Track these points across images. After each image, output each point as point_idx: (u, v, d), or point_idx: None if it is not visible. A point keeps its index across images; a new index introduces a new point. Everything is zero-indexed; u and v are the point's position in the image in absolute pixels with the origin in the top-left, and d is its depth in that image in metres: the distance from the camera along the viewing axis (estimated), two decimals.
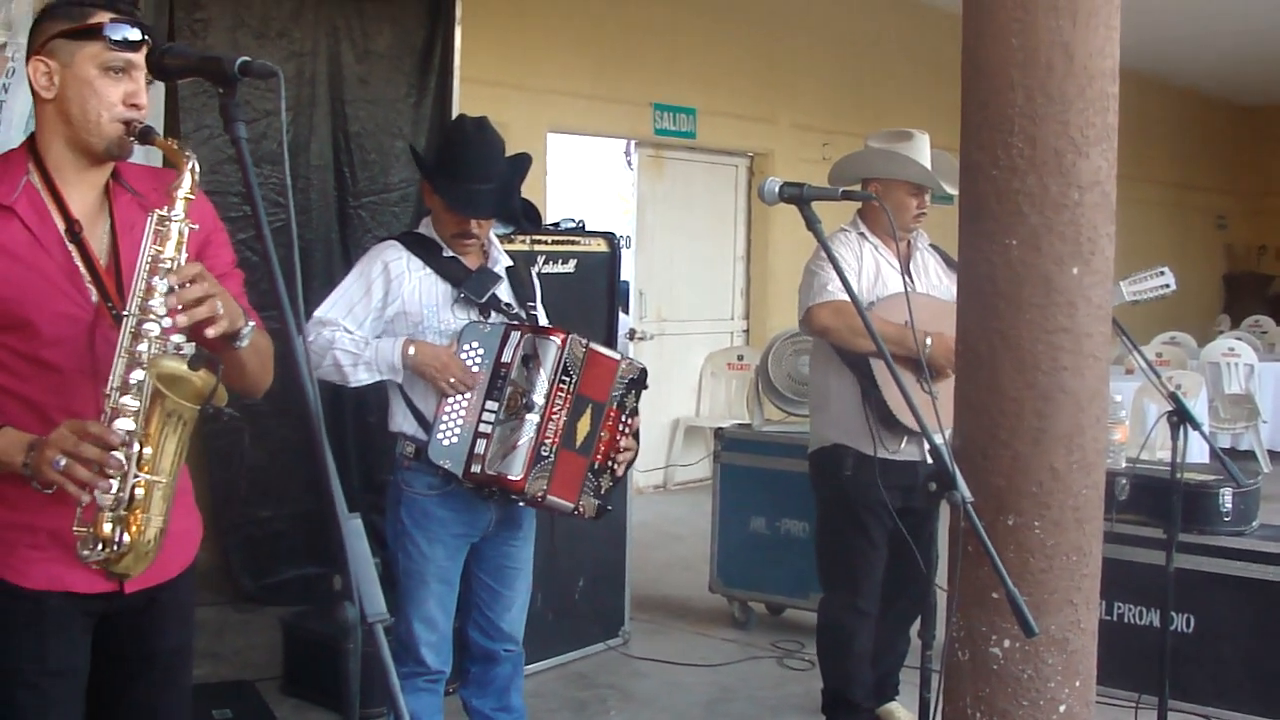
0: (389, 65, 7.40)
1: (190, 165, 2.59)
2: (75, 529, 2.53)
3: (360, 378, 3.88)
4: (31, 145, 2.70)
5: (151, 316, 2.51)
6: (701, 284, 10.99)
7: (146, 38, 2.62)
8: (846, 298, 4.58)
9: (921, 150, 4.81)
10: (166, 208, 2.56)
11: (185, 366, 2.52)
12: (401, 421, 3.97)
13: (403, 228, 6.70)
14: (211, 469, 6.77)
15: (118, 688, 2.89)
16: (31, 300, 2.60)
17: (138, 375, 2.50)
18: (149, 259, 2.53)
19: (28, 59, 2.64)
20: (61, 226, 2.64)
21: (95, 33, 2.57)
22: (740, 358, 10.73)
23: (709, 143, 10.66)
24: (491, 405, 3.86)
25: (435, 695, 4.05)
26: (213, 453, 6.74)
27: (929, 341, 4.48)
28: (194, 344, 2.55)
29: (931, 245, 5.03)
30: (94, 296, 2.64)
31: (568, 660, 5.93)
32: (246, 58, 2.02)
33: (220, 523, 6.80)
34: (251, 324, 2.62)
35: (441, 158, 4.06)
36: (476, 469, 3.82)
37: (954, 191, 4.79)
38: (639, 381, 4.06)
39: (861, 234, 4.86)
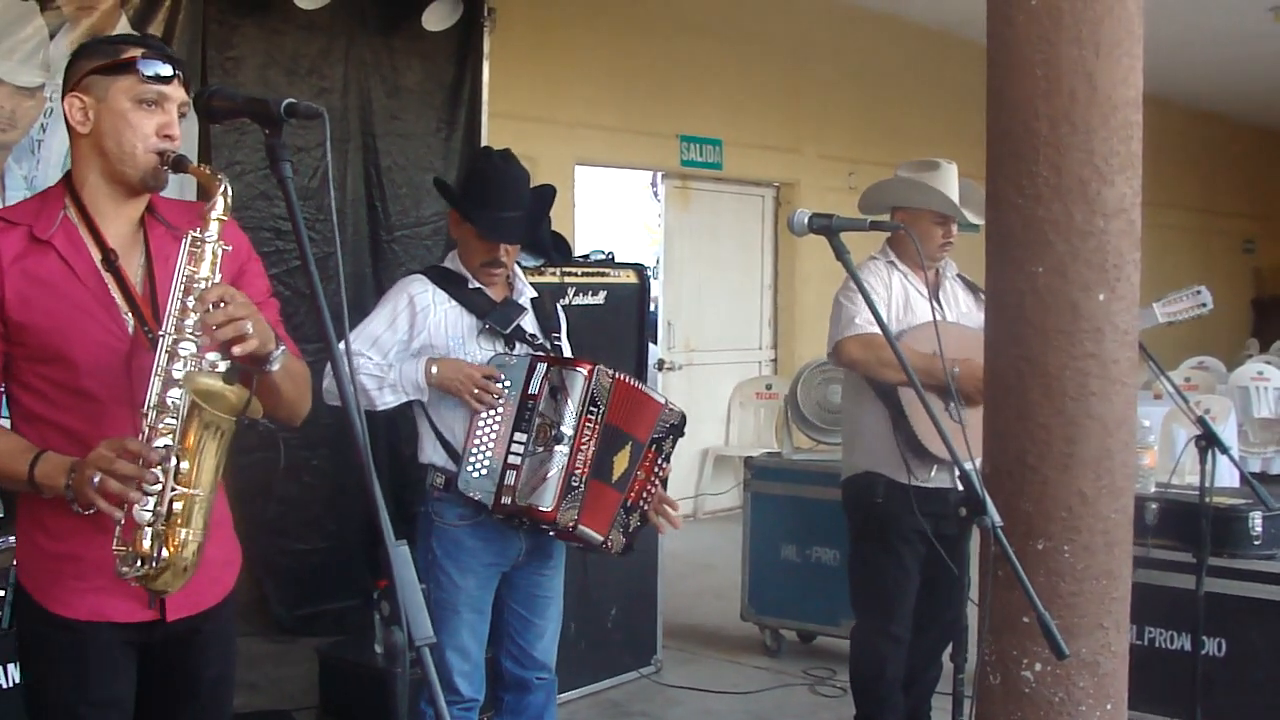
0: (419, 101, 7.49)
1: (222, 188, 2.64)
2: (115, 548, 2.56)
3: (386, 400, 3.92)
4: (68, 181, 2.76)
5: (187, 336, 2.56)
6: (729, 314, 11.02)
7: (178, 72, 2.69)
8: (874, 330, 4.64)
9: (948, 180, 4.84)
10: (200, 229, 2.61)
11: (220, 382, 2.56)
12: (431, 453, 4.01)
13: (435, 261, 6.76)
14: (244, 501, 6.81)
15: (163, 716, 2.93)
16: (68, 332, 2.66)
17: (174, 393, 2.55)
18: (184, 279, 2.59)
19: (63, 96, 2.70)
20: (98, 257, 2.70)
21: (128, 67, 2.64)
22: (769, 387, 10.75)
23: (735, 173, 10.71)
24: (520, 437, 3.89)
25: None
26: (245, 485, 6.77)
27: (956, 370, 4.50)
28: (228, 362, 2.59)
29: (959, 275, 5.06)
30: (130, 325, 2.70)
31: (601, 689, 5.95)
32: (293, 100, 2.07)
33: (254, 554, 6.84)
34: (283, 348, 2.67)
35: (469, 186, 4.12)
36: (507, 500, 3.85)
37: (978, 221, 4.85)
38: (678, 428, 4.11)
39: (891, 262, 4.89)
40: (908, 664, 4.96)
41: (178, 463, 2.53)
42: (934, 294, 4.87)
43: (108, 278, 2.70)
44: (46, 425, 2.70)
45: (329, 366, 3.87)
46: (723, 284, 10.87)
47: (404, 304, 4.02)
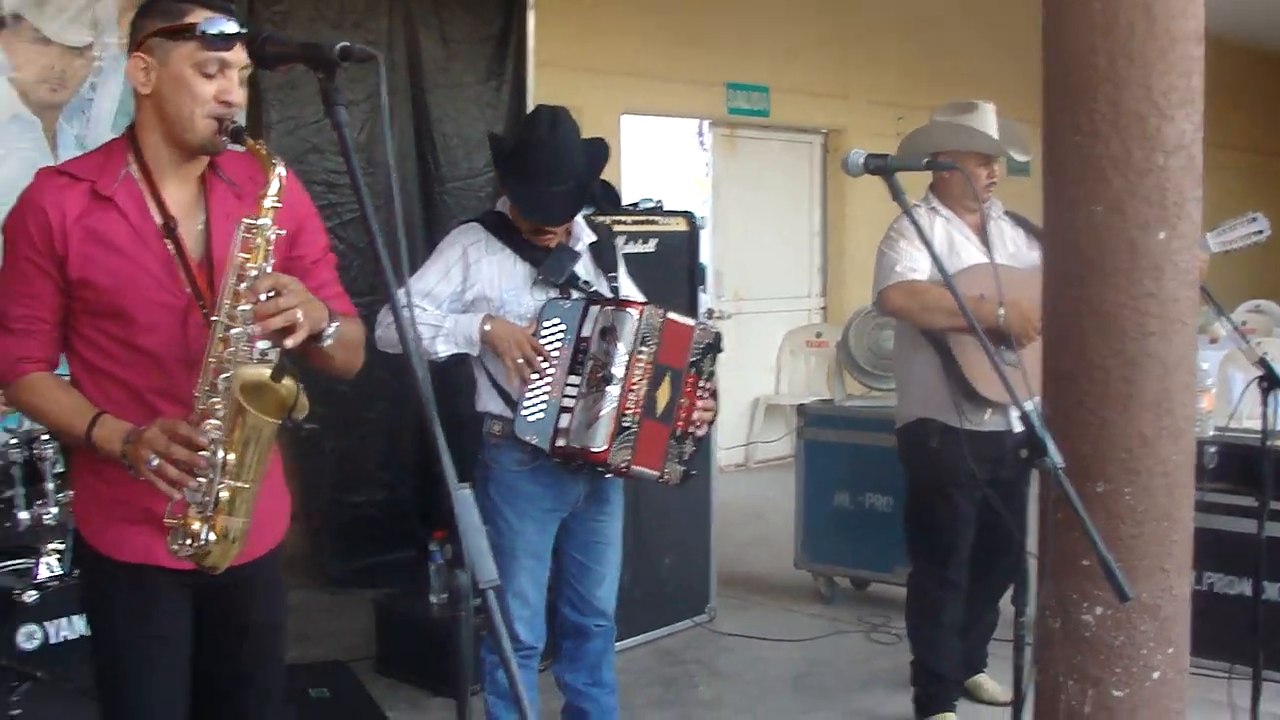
0: (466, 51, 7.46)
1: (277, 171, 2.64)
2: (167, 520, 2.62)
3: (439, 349, 3.91)
4: (132, 137, 2.77)
5: (238, 324, 2.58)
6: (778, 262, 10.96)
7: (242, 35, 2.64)
8: (917, 277, 4.62)
9: (987, 120, 4.78)
10: (254, 215, 2.62)
11: (268, 374, 2.57)
12: (487, 400, 4.00)
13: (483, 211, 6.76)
14: (299, 455, 6.86)
15: (215, 659, 2.98)
16: (128, 290, 2.69)
17: (225, 379, 2.58)
18: (236, 267, 2.60)
19: (128, 54, 2.71)
20: (158, 220, 2.72)
21: (190, 32, 2.61)
22: (818, 335, 10.69)
23: (782, 120, 10.63)
24: (574, 380, 3.88)
25: (529, 671, 4.10)
26: (300, 438, 6.82)
27: (1002, 312, 4.44)
28: (279, 349, 2.60)
29: (1009, 213, 4.99)
30: (187, 288, 2.72)
31: (655, 637, 5.98)
32: (346, 43, 2.05)
33: (309, 507, 6.88)
34: (336, 325, 2.68)
35: (514, 160, 4.03)
36: (562, 443, 3.85)
37: (1023, 158, 4.79)
38: (714, 346, 4.06)
39: (933, 208, 4.84)
40: (964, 610, 4.94)
41: (224, 454, 2.57)
42: (980, 236, 4.82)
43: (167, 242, 2.72)
44: (105, 378, 2.75)
45: (382, 316, 3.91)
46: (771, 232, 10.82)
47: (457, 256, 4.01)
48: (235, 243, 2.62)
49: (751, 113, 10.30)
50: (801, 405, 6.87)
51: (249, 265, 2.60)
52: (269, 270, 2.61)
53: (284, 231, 2.68)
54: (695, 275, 5.96)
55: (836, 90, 10.92)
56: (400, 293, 1.95)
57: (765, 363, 10.64)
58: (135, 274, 2.69)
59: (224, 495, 2.59)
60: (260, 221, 2.62)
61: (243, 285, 2.58)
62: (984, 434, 4.69)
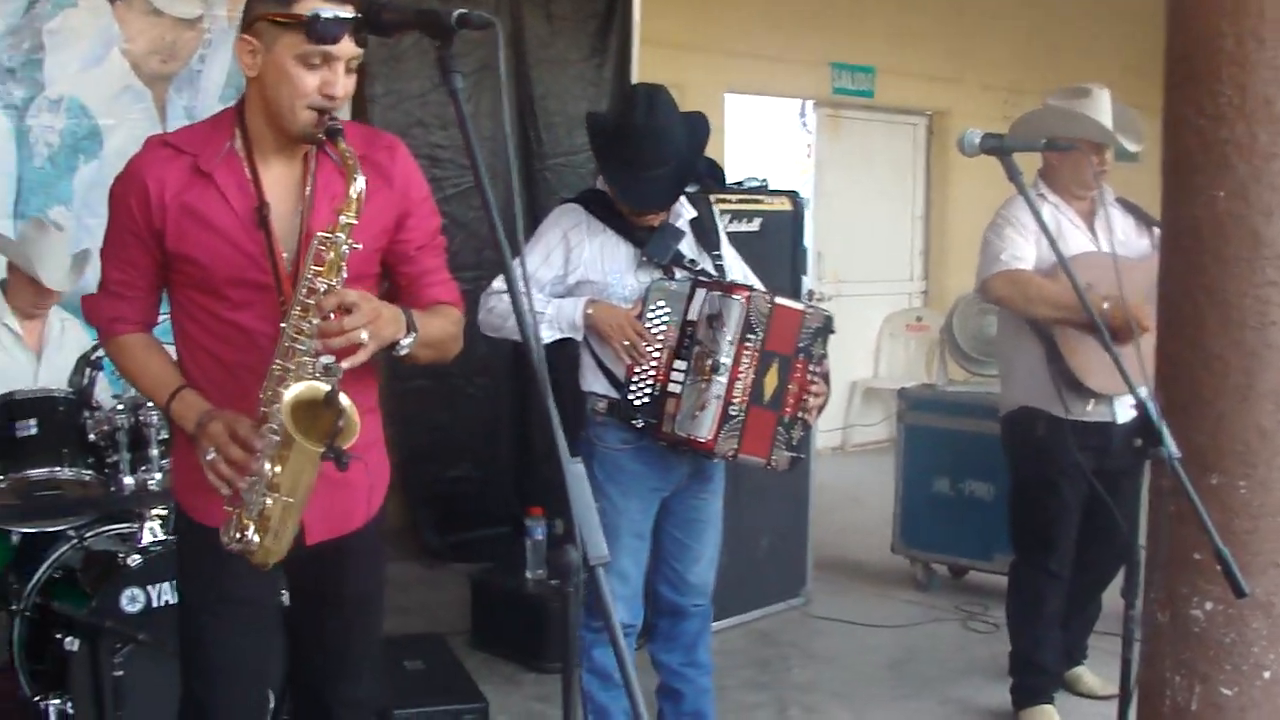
0: (571, 28, 7.45)
1: (357, 186, 2.59)
2: (225, 507, 2.63)
3: (543, 335, 3.88)
4: (240, 110, 2.76)
5: (303, 338, 2.56)
6: (879, 245, 10.85)
7: (351, 18, 2.59)
8: (1022, 266, 4.55)
9: (1101, 106, 4.68)
10: (330, 228, 2.59)
11: (322, 395, 2.53)
12: (592, 380, 3.97)
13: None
14: (399, 428, 6.92)
15: (312, 624, 3.02)
16: (221, 268, 2.70)
17: (286, 389, 2.55)
18: (306, 280, 2.57)
19: (239, 34, 2.68)
20: (254, 204, 2.70)
21: (296, 23, 2.57)
22: (919, 318, 10.62)
23: (887, 102, 10.52)
24: (680, 365, 3.83)
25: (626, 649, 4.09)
26: (402, 411, 6.88)
27: (1106, 306, 4.34)
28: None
29: (1119, 200, 4.90)
30: (272, 276, 2.71)
31: (750, 619, 5.96)
32: (464, 10, 2.03)
33: (408, 480, 6.95)
34: (413, 336, 2.68)
35: (611, 144, 3.98)
36: (667, 428, 3.82)
37: (1134, 148, 4.69)
38: (825, 329, 3.98)
39: (1041, 194, 4.75)
40: (1066, 601, 4.87)
41: (273, 469, 2.56)
42: (1089, 224, 4.73)
43: (260, 226, 2.70)
44: (199, 349, 2.79)
45: (484, 299, 3.91)
46: (873, 215, 10.71)
47: (558, 239, 3.97)
48: (308, 255, 2.60)
49: (856, 93, 10.20)
50: (903, 389, 6.80)
51: (319, 279, 2.57)
52: (338, 286, 2.58)
53: (359, 245, 2.63)
54: (799, 255, 5.91)
55: (943, 72, 10.76)
56: (517, 268, 1.93)
57: (864, 346, 10.57)
58: (229, 253, 2.70)
59: (269, 502, 2.57)
60: (335, 236, 2.58)
61: (311, 299, 2.56)
62: (1089, 424, 4.62)
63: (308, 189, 2.76)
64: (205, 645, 2.92)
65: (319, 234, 2.59)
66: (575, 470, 1.81)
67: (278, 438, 2.55)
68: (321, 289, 2.56)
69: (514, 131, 7.13)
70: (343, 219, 2.58)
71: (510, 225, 1.97)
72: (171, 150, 2.73)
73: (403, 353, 2.69)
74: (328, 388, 2.54)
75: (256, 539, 2.60)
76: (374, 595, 3.07)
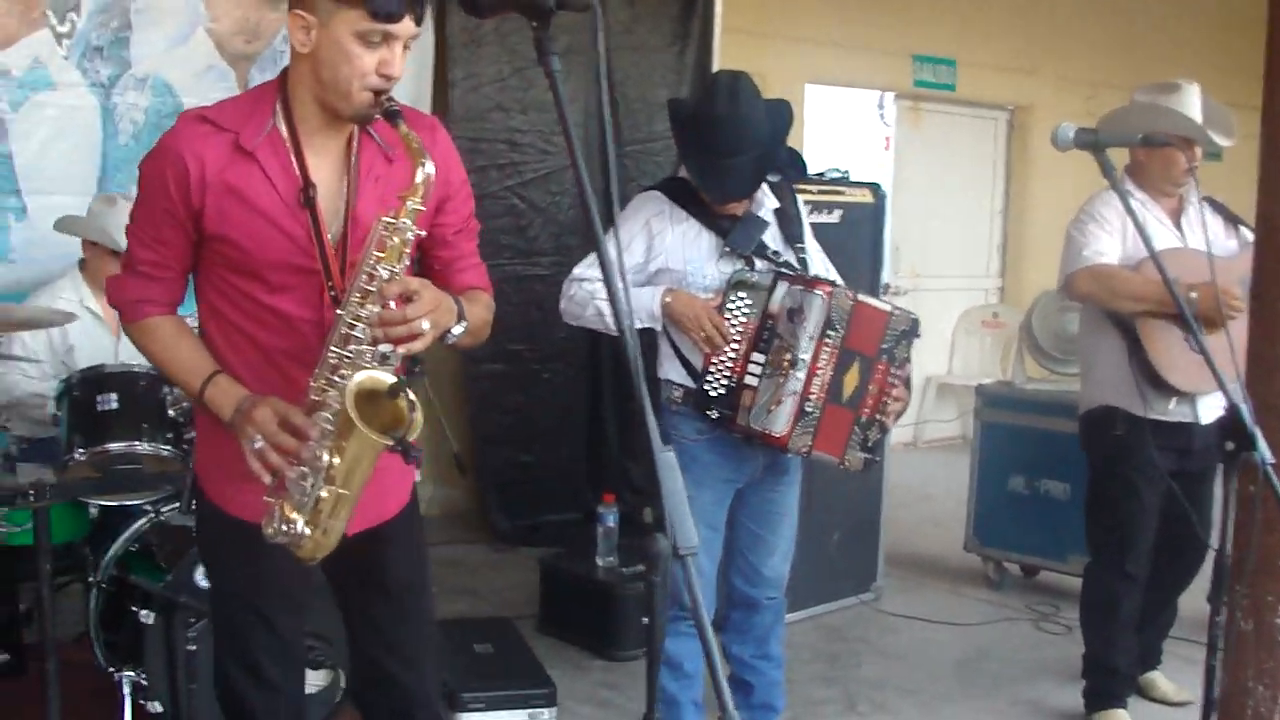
0: (653, 14, 7.42)
1: (426, 170, 2.54)
2: (265, 498, 2.56)
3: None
4: (282, 87, 2.67)
5: (361, 324, 2.51)
6: (956, 239, 10.75)
7: (411, 8, 2.55)
8: (1105, 261, 4.48)
9: (1190, 102, 4.59)
10: (394, 213, 2.53)
11: (385, 383, 2.50)
12: (669, 368, 3.94)
13: (665, 175, 6.72)
14: (472, 411, 6.94)
15: (361, 609, 2.98)
16: (263, 250, 2.62)
17: (343, 377, 2.51)
18: (368, 265, 2.52)
19: (289, 9, 2.59)
20: (300, 183, 2.63)
21: (357, 1, 2.50)
22: (995, 315, 10.52)
23: (968, 95, 10.41)
24: (758, 357, 3.79)
25: (697, 640, 4.05)
26: (475, 395, 6.90)
27: (1194, 295, 4.27)
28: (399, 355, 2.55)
29: (1207, 199, 4.81)
30: (319, 260, 2.65)
31: (820, 613, 5.93)
32: None
33: (479, 464, 6.97)
34: (463, 325, 2.65)
35: (692, 132, 3.93)
36: (743, 421, 3.78)
37: (1226, 144, 4.61)
38: (910, 332, 3.92)
39: (1128, 191, 4.67)
40: (1142, 604, 4.80)
41: (331, 459, 2.50)
42: (1175, 221, 4.66)
43: (305, 207, 2.63)
44: (235, 331, 2.71)
45: (565, 287, 3.90)
46: (951, 209, 10.60)
47: (639, 227, 3.93)
48: (370, 239, 2.54)
49: (937, 86, 10.11)
50: (980, 386, 6.73)
51: (381, 265, 2.51)
52: (400, 274, 2.54)
53: (423, 233, 2.60)
54: (880, 248, 5.86)
55: (1025, 66, 10.64)
56: (612, 256, 1.91)
57: (938, 341, 10.47)
58: (271, 235, 2.62)
59: (324, 496, 2.52)
60: (400, 221, 2.53)
61: (372, 285, 2.51)
62: (1169, 424, 4.55)
63: (350, 170, 2.69)
64: (238, 641, 2.91)
65: (383, 218, 2.53)
66: (666, 459, 1.79)
67: (332, 427, 2.50)
68: (384, 275, 2.51)
69: (606, 115, 7.10)
70: (410, 204, 2.53)
71: (606, 211, 1.94)
72: (210, 126, 2.62)
73: (450, 341, 2.65)
74: (392, 378, 2.51)
75: (307, 531, 2.54)
76: (418, 580, 3.02)
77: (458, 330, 2.65)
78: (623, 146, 7.32)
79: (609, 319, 3.83)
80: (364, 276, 2.52)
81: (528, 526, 7.10)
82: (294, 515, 2.54)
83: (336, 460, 2.50)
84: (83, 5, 5.57)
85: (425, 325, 2.50)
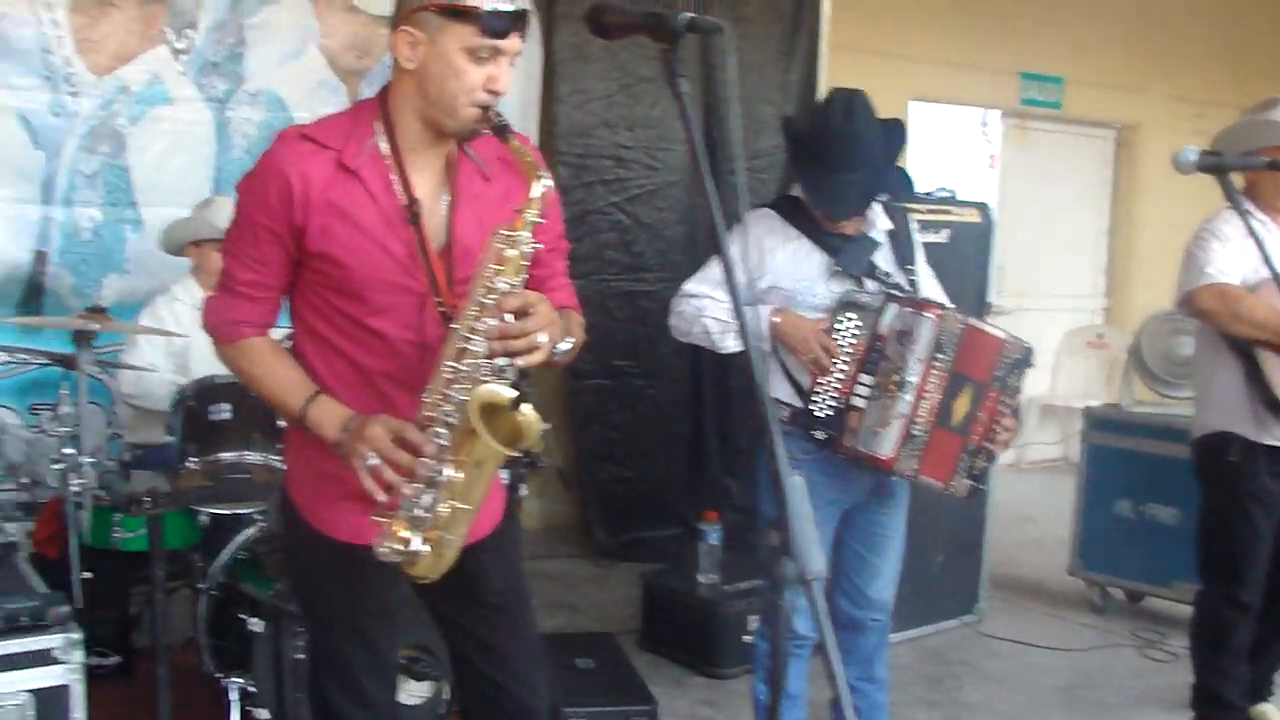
0: (759, 31, 7.42)
1: (543, 183, 2.54)
2: (375, 517, 2.54)
3: (729, 345, 3.84)
4: (383, 103, 2.66)
5: (477, 338, 2.50)
6: (1062, 259, 10.65)
7: (521, 25, 2.55)
8: (1229, 280, 4.40)
9: None
10: (512, 226, 2.52)
11: (508, 399, 2.49)
12: (776, 386, 3.90)
13: (770, 194, 6.72)
14: (576, 426, 6.97)
15: (465, 626, 2.97)
16: (365, 270, 2.60)
17: (459, 390, 2.50)
18: (485, 278, 2.51)
19: (394, 26, 2.58)
20: (403, 201, 2.61)
21: (470, 16, 2.49)
22: (1100, 335, 10.39)
23: (1075, 114, 10.32)
24: (866, 379, 3.76)
25: (802, 661, 4.04)
26: (578, 410, 6.93)
27: None
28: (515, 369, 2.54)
29: None
30: (425, 277, 2.63)
31: (922, 634, 5.89)
32: (693, 14, 2.02)
33: (582, 478, 7.00)
34: (570, 341, 2.65)
35: (806, 147, 3.90)
36: (849, 443, 3.76)
37: None
38: (1024, 361, 3.89)
39: (1245, 210, 4.59)
40: (1255, 634, 4.71)
41: (453, 473, 2.49)
42: None
43: (410, 225, 2.62)
44: (334, 353, 2.69)
45: (674, 303, 3.91)
46: (1057, 228, 10.51)
47: (751, 244, 3.90)
48: (488, 253, 2.52)
49: (1044, 104, 10.03)
50: (1087, 408, 6.65)
51: (499, 279, 2.50)
52: (519, 287, 2.52)
53: (541, 246, 2.58)
54: (986, 268, 5.81)
55: (1134, 84, 10.52)
56: (729, 275, 1.92)
57: (1042, 362, 10.34)
58: (375, 255, 2.60)
59: (443, 511, 2.51)
60: (518, 234, 2.51)
61: (490, 299, 2.49)
62: None
63: (450, 190, 2.68)
64: (345, 659, 2.92)
65: (499, 230, 2.52)
66: (794, 483, 1.79)
67: (447, 442, 2.49)
68: (503, 288, 2.50)
69: (737, 136, 7.09)
70: (528, 216, 2.52)
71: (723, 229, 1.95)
72: (313, 145, 2.60)
73: (557, 358, 2.64)
74: (513, 392, 2.50)
75: (426, 549, 2.53)
76: (517, 589, 3.00)
77: (564, 347, 2.64)
78: (727, 163, 7.31)
79: (715, 336, 3.84)
80: (481, 289, 2.50)
81: (628, 541, 7.13)
82: (408, 533, 2.52)
83: (459, 475, 2.49)
84: (200, 22, 5.70)
85: (543, 339, 2.50)
